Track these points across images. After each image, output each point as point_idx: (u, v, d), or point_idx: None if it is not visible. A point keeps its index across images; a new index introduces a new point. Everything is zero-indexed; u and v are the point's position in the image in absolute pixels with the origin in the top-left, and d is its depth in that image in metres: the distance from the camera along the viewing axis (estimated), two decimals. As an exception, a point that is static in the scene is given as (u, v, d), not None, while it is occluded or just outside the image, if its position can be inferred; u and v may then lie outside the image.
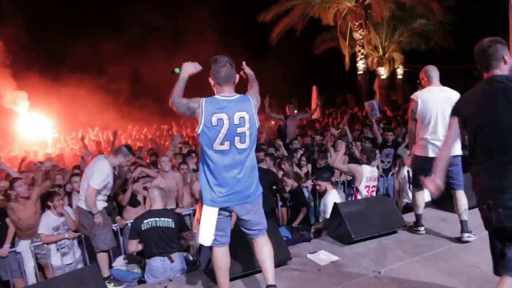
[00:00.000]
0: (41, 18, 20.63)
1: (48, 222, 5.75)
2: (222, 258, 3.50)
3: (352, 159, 7.65)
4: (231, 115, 3.21)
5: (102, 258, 5.34)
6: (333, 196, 5.83)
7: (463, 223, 4.67)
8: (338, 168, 6.68)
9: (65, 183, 6.90)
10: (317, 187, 6.16)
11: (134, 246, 4.85)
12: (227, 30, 19.95)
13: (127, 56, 18.77)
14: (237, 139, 3.24)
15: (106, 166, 5.32)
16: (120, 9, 19.79)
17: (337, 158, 6.47)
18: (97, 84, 18.14)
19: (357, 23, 20.74)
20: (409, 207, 6.14)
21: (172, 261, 4.78)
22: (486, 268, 3.97)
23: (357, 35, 21.02)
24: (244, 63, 3.67)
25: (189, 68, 3.45)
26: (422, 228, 5.04)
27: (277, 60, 25.10)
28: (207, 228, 3.31)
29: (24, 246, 5.70)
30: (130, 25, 18.97)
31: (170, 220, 4.85)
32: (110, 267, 5.44)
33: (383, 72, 23.97)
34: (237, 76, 3.42)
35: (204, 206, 3.33)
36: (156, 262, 4.74)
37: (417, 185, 4.95)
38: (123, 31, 19.16)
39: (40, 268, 5.88)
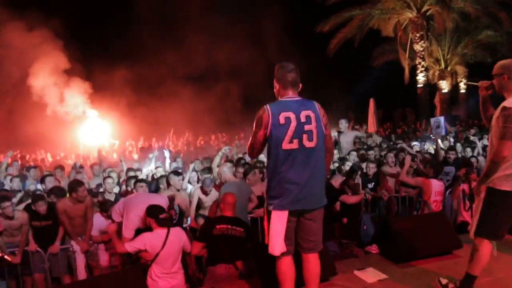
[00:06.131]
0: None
1: (96, 224, 5.96)
2: (289, 268, 3.41)
3: (418, 173, 7.41)
4: (297, 113, 3.26)
5: None
6: None
7: None
8: (405, 182, 6.54)
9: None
10: None
11: (199, 249, 4.84)
12: (285, 40, 19.96)
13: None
14: (305, 136, 3.25)
15: None
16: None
17: (404, 172, 6.36)
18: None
19: (418, 35, 20.17)
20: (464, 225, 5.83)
21: (236, 268, 4.72)
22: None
23: (417, 47, 20.43)
24: None
25: None
26: None
27: (334, 71, 24.86)
28: (278, 237, 3.29)
29: (74, 244, 5.88)
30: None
31: (242, 230, 4.81)
32: None
33: (444, 85, 23.13)
34: (301, 85, 3.48)
35: (273, 212, 3.31)
36: (221, 269, 4.68)
37: (495, 233, 3.62)
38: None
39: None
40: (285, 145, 3.24)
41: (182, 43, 18.93)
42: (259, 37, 19.78)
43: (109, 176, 7.23)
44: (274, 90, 3.49)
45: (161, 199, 5.44)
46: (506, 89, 3.50)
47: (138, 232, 5.21)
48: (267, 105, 3.33)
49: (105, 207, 6.09)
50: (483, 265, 3.61)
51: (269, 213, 3.36)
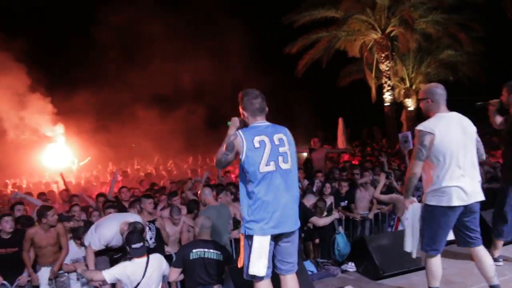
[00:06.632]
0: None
1: (69, 252, 5.73)
2: None
3: (391, 190, 7.51)
4: (270, 136, 3.33)
5: None
6: None
7: None
8: (379, 199, 6.67)
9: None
10: None
11: (176, 275, 4.74)
12: (254, 62, 20.12)
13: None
14: (280, 158, 3.32)
15: None
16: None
17: (378, 189, 6.49)
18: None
19: (383, 55, 20.64)
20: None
21: None
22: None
23: (383, 67, 20.89)
24: None
25: (236, 123, 3.54)
26: None
27: (303, 92, 25.14)
28: (261, 259, 3.24)
29: (43, 274, 5.62)
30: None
31: (219, 252, 4.75)
32: None
33: (410, 104, 23.62)
34: (267, 109, 3.52)
35: (255, 237, 3.26)
36: None
37: (434, 248, 3.88)
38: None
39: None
40: (263, 168, 3.25)
41: (148, 66, 18.84)
42: (227, 60, 19.90)
43: (76, 204, 7.08)
44: (243, 117, 3.53)
45: (135, 217, 5.34)
46: (431, 111, 3.89)
47: (107, 251, 5.19)
48: (239, 131, 3.38)
49: (77, 234, 5.88)
50: (437, 276, 3.87)
51: (248, 238, 3.33)
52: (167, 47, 19.33)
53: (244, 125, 3.52)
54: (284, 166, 3.32)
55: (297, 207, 3.48)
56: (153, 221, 6.06)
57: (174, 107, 19.72)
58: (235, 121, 3.54)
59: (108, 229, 5.14)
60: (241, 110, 3.49)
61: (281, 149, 3.32)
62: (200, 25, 20.31)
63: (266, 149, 3.27)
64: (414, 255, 4.04)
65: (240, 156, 3.31)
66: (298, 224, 3.48)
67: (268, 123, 3.46)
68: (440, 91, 3.92)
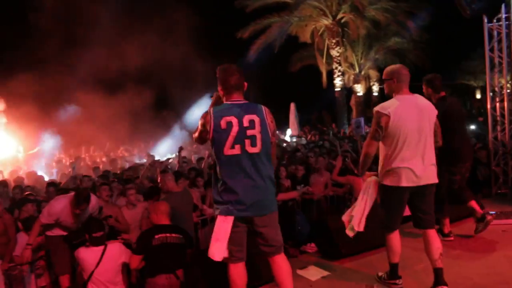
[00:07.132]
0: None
1: (19, 242, 5.51)
2: (239, 276, 3.32)
3: (346, 171, 7.68)
4: (240, 118, 3.17)
5: None
6: None
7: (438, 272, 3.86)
8: (336, 180, 6.78)
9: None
10: None
11: (137, 262, 4.60)
12: (204, 45, 19.83)
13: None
14: (247, 142, 3.17)
15: None
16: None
17: (335, 171, 6.59)
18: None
19: (334, 41, 20.98)
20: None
21: (177, 277, 4.55)
22: (479, 280, 3.97)
23: (334, 53, 21.25)
24: None
25: (217, 98, 3.49)
26: (400, 281, 4.07)
27: (255, 77, 25.15)
28: (218, 241, 3.18)
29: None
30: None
31: (181, 236, 4.66)
32: None
33: (359, 89, 24.24)
34: (246, 84, 3.40)
35: (218, 217, 3.22)
36: (162, 280, 4.49)
37: (389, 226, 4.04)
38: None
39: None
40: (227, 151, 3.15)
41: (93, 48, 18.09)
42: (177, 43, 19.48)
43: (30, 194, 6.86)
44: (220, 94, 3.42)
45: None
46: (395, 91, 3.93)
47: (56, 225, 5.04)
48: (211, 109, 3.26)
49: (28, 224, 5.64)
50: (396, 252, 4.01)
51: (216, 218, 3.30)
52: (114, 29, 18.65)
53: (221, 101, 3.42)
54: (251, 149, 3.17)
55: (270, 190, 3.34)
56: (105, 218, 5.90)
57: (121, 91, 19.08)
58: (215, 97, 3.50)
59: (57, 202, 4.97)
60: (218, 85, 3.39)
61: (249, 132, 3.17)
62: (148, 7, 19.67)
63: (232, 131, 3.13)
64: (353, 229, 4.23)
65: (208, 136, 3.23)
66: (271, 208, 3.34)
67: (243, 101, 3.33)
68: (404, 71, 3.96)
